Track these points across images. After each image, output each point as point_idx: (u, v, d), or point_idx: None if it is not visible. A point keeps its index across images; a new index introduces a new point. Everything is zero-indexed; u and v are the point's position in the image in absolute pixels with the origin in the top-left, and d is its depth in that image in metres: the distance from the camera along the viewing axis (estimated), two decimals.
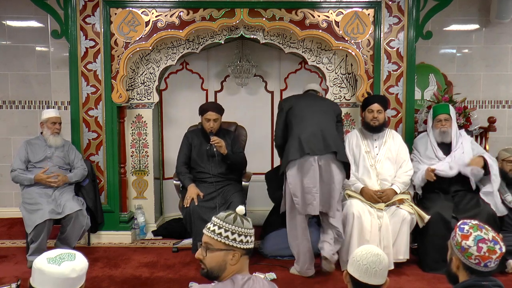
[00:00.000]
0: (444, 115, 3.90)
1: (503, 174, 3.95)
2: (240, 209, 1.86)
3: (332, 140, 3.43)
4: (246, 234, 1.81)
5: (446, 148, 3.90)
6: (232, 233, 1.79)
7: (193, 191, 3.84)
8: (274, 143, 3.90)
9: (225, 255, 1.79)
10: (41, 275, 1.61)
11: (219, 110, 4.05)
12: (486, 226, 1.82)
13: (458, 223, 1.86)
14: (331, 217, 3.50)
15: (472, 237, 1.77)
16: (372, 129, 3.81)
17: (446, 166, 3.78)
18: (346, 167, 3.51)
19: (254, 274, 1.79)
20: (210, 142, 3.91)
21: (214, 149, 3.93)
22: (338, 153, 3.41)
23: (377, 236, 3.50)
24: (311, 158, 3.37)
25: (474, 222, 1.83)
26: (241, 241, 1.79)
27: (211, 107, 4.05)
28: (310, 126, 3.46)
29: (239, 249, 1.79)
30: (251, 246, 1.83)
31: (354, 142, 3.90)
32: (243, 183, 4.10)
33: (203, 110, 4.04)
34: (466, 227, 1.81)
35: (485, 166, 3.74)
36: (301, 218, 3.51)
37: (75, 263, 1.65)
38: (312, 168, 3.37)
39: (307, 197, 3.40)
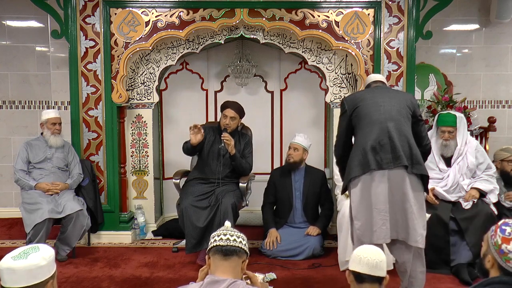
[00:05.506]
0: (448, 128, 3.73)
1: (503, 174, 3.94)
2: (226, 224, 2.10)
3: (404, 149, 2.73)
4: (212, 236, 2.03)
5: (448, 158, 3.79)
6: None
7: None
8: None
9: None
10: (11, 274, 1.62)
11: (239, 110, 4.06)
12: None
13: (500, 223, 1.81)
14: (413, 245, 2.78)
15: None
16: None
17: (445, 194, 3.70)
18: (424, 180, 2.83)
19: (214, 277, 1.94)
20: (221, 137, 3.90)
21: (223, 145, 3.91)
22: (409, 167, 2.73)
23: None
24: (378, 173, 2.73)
25: None
26: (209, 244, 2.02)
27: (231, 105, 4.07)
28: (376, 132, 2.76)
29: (208, 252, 2.02)
30: (215, 244, 1.97)
31: None
32: (240, 184, 4.06)
33: (223, 107, 4.09)
34: (508, 229, 1.76)
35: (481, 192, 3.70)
36: None
37: (42, 252, 1.68)
38: (380, 185, 2.73)
39: (373, 221, 2.75)
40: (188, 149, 3.98)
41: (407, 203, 2.74)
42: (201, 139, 3.90)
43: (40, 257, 1.66)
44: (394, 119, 2.79)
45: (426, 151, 2.93)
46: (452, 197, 3.69)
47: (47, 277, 1.67)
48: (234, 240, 1.97)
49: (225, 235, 1.98)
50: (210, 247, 1.99)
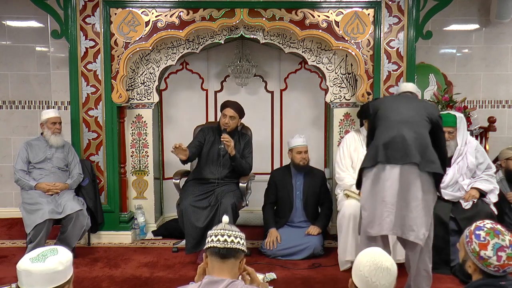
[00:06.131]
0: (448, 128, 3.70)
1: (508, 173, 3.94)
2: (224, 219, 2.03)
3: (416, 148, 2.82)
4: (209, 235, 1.97)
5: (448, 158, 3.75)
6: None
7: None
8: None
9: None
10: (28, 276, 1.62)
11: (239, 110, 4.06)
12: (501, 229, 1.80)
13: (472, 228, 1.82)
14: (413, 242, 2.84)
15: (490, 246, 1.75)
16: None
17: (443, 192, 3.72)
18: (437, 180, 2.90)
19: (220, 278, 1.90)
20: (221, 138, 3.90)
21: (223, 146, 3.92)
22: (421, 164, 2.79)
23: None
24: (388, 166, 2.82)
25: (489, 225, 1.80)
26: (206, 243, 1.96)
27: (230, 104, 4.07)
28: (390, 130, 2.90)
29: (206, 251, 1.97)
30: (212, 245, 1.93)
31: (352, 145, 3.91)
32: (240, 184, 4.07)
33: (223, 106, 4.09)
34: (483, 234, 1.78)
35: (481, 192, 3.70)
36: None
37: (59, 256, 1.67)
38: (389, 178, 2.81)
39: (379, 213, 2.84)
40: (182, 162, 3.97)
41: (415, 201, 2.80)
42: (187, 154, 3.86)
43: (57, 261, 1.65)
44: (410, 121, 2.92)
45: (442, 158, 2.98)
46: (448, 196, 3.68)
47: (63, 282, 1.67)
48: (232, 241, 1.92)
49: (222, 235, 1.93)
50: (207, 246, 1.95)
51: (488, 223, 1.82)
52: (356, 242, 3.56)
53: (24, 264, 1.63)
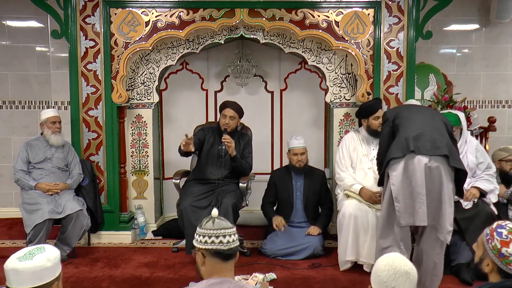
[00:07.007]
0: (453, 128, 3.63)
1: (502, 174, 3.94)
2: (214, 212, 1.90)
3: (442, 143, 2.91)
4: (205, 234, 1.83)
5: None
6: (197, 235, 1.87)
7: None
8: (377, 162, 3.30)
9: (197, 256, 1.87)
10: (17, 275, 1.61)
11: (238, 110, 4.06)
12: None
13: (494, 226, 1.83)
14: (439, 234, 2.95)
15: None
16: (376, 134, 3.75)
17: None
18: (459, 178, 2.98)
19: (239, 277, 1.81)
20: (222, 139, 3.90)
21: (223, 147, 3.92)
22: (450, 158, 2.88)
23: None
24: (417, 157, 2.87)
25: (511, 225, 1.81)
26: (200, 241, 1.84)
27: (230, 104, 4.07)
28: (417, 125, 2.99)
29: (201, 249, 1.84)
30: (214, 247, 1.81)
31: (352, 145, 3.91)
32: (240, 184, 4.07)
33: (222, 106, 4.09)
34: (505, 232, 1.78)
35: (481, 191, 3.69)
36: (397, 233, 3.01)
37: (47, 253, 1.67)
38: (419, 169, 2.86)
39: (412, 204, 2.89)
40: (181, 153, 3.96)
41: (443, 194, 2.88)
42: (191, 149, 3.85)
43: (45, 258, 1.65)
44: (433, 123, 3.05)
45: None
46: None
47: (52, 279, 1.67)
48: (233, 240, 1.83)
49: (224, 236, 1.82)
50: (208, 248, 1.82)
51: (510, 224, 1.83)
52: (356, 242, 3.57)
53: (12, 263, 1.63)
